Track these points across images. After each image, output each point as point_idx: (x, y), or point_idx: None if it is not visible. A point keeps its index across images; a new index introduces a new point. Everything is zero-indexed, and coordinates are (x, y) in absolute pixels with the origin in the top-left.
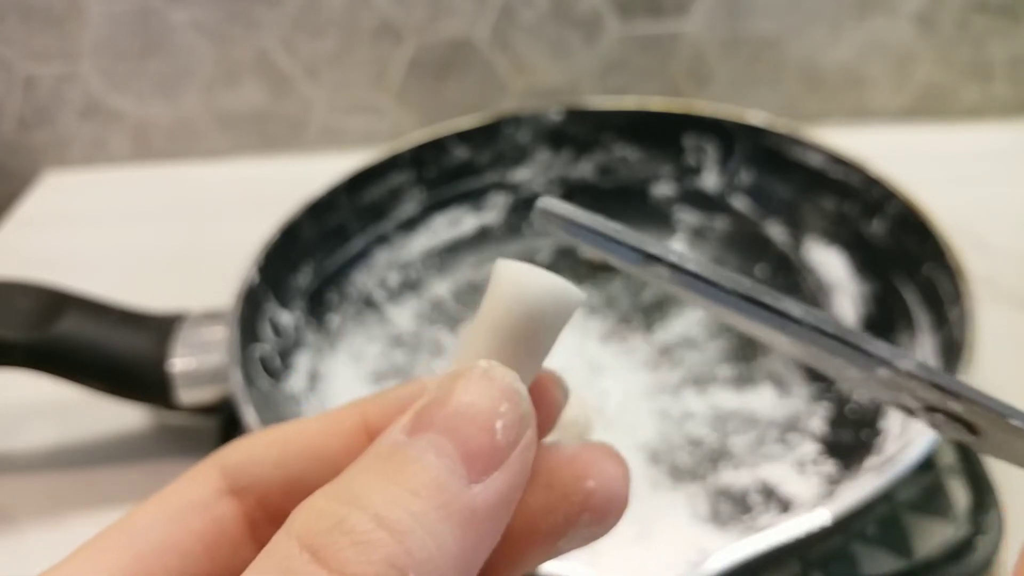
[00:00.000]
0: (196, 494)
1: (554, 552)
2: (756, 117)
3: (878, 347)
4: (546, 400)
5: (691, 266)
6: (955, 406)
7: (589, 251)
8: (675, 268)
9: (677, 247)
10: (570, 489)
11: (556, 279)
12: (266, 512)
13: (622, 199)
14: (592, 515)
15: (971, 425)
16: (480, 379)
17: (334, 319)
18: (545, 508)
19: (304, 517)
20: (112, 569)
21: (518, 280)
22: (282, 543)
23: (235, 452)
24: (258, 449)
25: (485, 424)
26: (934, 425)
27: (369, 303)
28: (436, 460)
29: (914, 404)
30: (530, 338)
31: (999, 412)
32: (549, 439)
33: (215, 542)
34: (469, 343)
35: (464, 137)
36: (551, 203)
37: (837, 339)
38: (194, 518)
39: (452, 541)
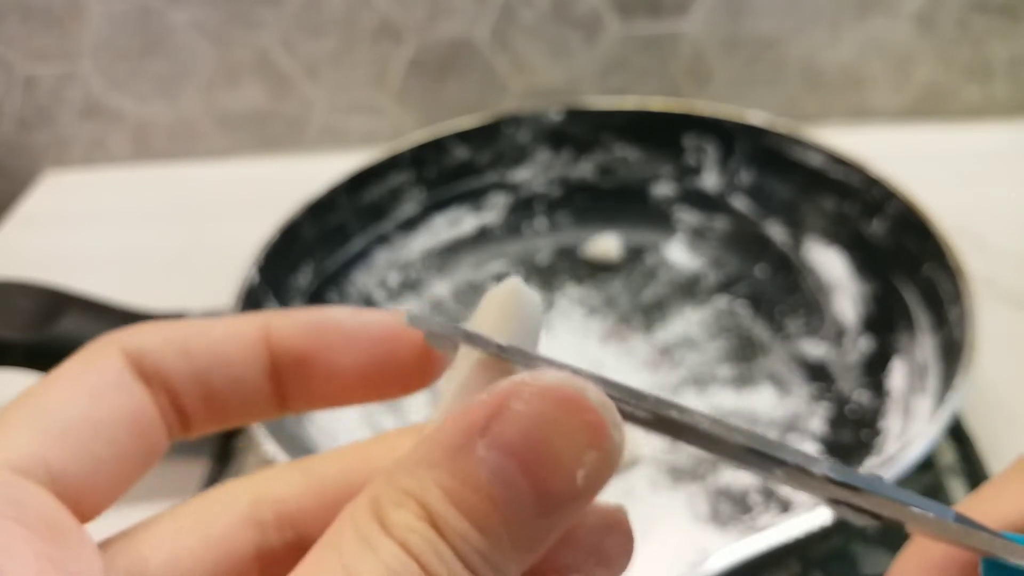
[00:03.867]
0: (106, 373)
1: None
2: (756, 117)
3: (791, 454)
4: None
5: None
6: (863, 502)
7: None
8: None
9: (675, 247)
10: (583, 543)
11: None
12: (170, 401)
13: (622, 199)
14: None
15: (875, 514)
16: (572, 414)
17: None
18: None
19: (396, 519)
20: (21, 448)
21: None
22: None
23: (135, 337)
24: (160, 338)
25: (567, 470)
26: (840, 514)
27: (369, 303)
28: (507, 496)
29: (820, 496)
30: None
31: (902, 502)
32: None
33: (132, 419)
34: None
35: (464, 137)
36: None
37: (749, 448)
38: (113, 398)
39: (513, 568)
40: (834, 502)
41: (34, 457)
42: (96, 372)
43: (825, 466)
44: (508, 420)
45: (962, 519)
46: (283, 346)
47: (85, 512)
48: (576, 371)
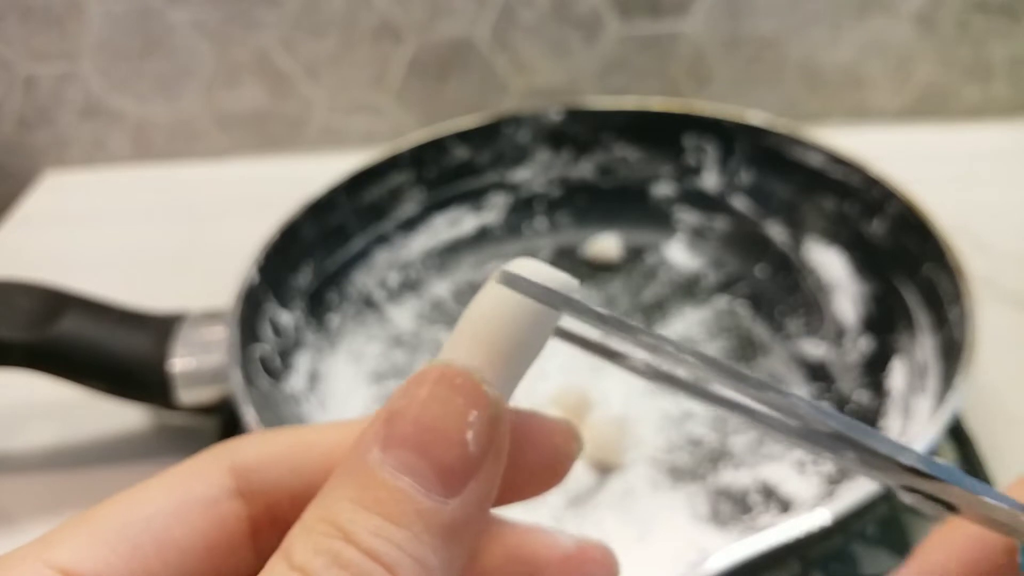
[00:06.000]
0: (203, 489)
1: None
2: (756, 117)
3: (882, 444)
4: (553, 449)
5: (688, 357)
6: (940, 491)
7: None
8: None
9: (675, 247)
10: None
11: (544, 268)
12: (271, 517)
13: (622, 199)
14: None
15: (950, 504)
16: (443, 386)
17: (334, 319)
18: None
19: (302, 549)
20: (108, 556)
21: (506, 273)
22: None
23: (248, 450)
24: (274, 452)
25: (455, 437)
26: (913, 503)
27: (369, 303)
28: (412, 484)
29: (893, 483)
30: (519, 328)
31: (988, 498)
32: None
33: (216, 542)
34: (455, 336)
35: (464, 137)
36: (524, 266)
37: (840, 436)
38: (199, 515)
39: (436, 557)
40: (908, 489)
41: (92, 566)
42: (195, 485)
43: (913, 457)
44: (396, 418)
45: None
46: None
47: None
48: (625, 323)
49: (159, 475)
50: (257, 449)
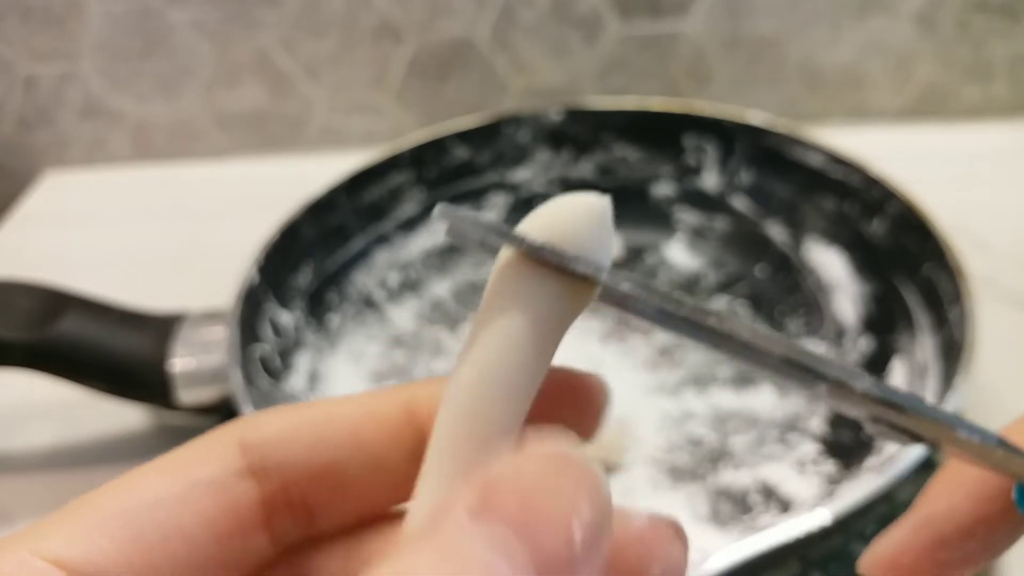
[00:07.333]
0: (211, 471)
1: None
2: (756, 117)
3: (832, 367)
4: (585, 403)
5: (624, 286)
6: (904, 421)
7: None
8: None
9: (675, 247)
10: (633, 572)
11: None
12: (286, 498)
13: (622, 199)
14: None
15: (916, 435)
16: (558, 465)
17: (334, 319)
18: None
19: None
20: (105, 544)
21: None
22: None
23: (260, 427)
24: (288, 428)
25: (562, 528)
26: (879, 434)
27: (369, 303)
28: (505, 569)
29: (860, 414)
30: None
31: (945, 423)
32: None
33: (226, 528)
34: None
35: (464, 137)
36: (450, 209)
37: (788, 360)
38: (207, 500)
39: None
40: (874, 420)
41: (86, 555)
42: (201, 468)
43: (867, 382)
44: (496, 487)
45: (1005, 444)
46: (426, 421)
47: None
48: (613, 276)
49: (161, 458)
50: (272, 424)
